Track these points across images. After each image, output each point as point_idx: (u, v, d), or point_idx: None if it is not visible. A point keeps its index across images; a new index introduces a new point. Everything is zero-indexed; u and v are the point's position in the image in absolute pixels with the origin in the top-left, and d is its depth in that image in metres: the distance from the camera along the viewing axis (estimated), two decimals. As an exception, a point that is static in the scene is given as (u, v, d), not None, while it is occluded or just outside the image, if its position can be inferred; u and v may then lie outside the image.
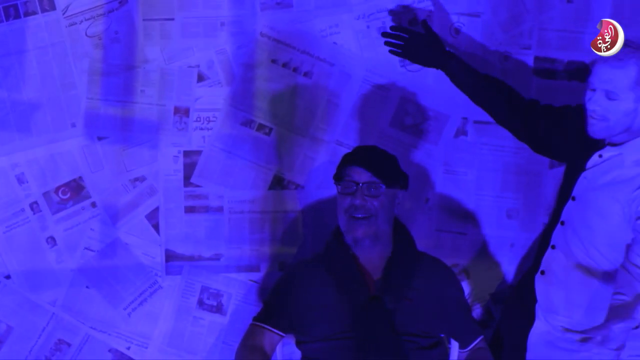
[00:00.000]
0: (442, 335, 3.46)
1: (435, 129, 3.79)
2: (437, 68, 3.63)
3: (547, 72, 3.79)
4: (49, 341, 3.74)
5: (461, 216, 3.83)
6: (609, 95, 3.17)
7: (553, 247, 3.40)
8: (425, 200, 3.81)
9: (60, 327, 3.74)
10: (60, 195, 3.72)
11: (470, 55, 3.73)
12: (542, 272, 3.42)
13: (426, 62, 3.66)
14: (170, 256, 3.77)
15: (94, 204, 3.73)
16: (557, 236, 3.40)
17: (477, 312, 3.83)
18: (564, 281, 3.36)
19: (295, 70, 3.74)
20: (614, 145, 3.26)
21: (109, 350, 3.77)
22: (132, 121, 3.71)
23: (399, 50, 3.65)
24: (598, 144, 3.29)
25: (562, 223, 3.38)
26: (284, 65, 3.74)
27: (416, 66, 3.72)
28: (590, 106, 3.20)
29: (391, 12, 3.73)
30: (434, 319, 3.38)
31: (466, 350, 3.46)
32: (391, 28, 3.68)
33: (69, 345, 3.75)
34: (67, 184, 3.72)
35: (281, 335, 3.42)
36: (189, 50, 3.71)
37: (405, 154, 3.76)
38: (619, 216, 3.21)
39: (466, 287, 3.72)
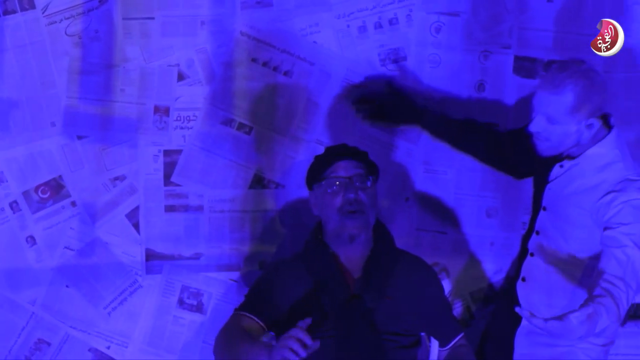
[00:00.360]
0: (423, 333, 3.47)
1: (415, 128, 3.79)
2: (412, 125, 3.67)
3: (527, 71, 3.80)
4: (28, 341, 3.72)
5: (441, 215, 3.83)
6: (550, 120, 3.18)
7: (532, 254, 3.42)
8: (405, 199, 3.82)
9: (40, 326, 3.73)
10: (39, 194, 3.70)
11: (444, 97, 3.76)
12: (523, 279, 3.44)
13: (400, 122, 3.72)
14: (150, 255, 3.76)
15: (73, 203, 3.72)
16: (533, 244, 3.42)
17: (457, 310, 3.84)
18: (545, 286, 3.37)
19: (275, 69, 3.74)
20: (571, 158, 3.28)
21: (89, 350, 3.76)
22: (112, 120, 3.70)
23: (371, 115, 3.71)
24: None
25: (537, 233, 3.40)
26: (264, 64, 3.74)
27: (396, 65, 3.73)
28: (533, 128, 3.21)
29: (354, 85, 3.73)
30: (415, 318, 3.37)
31: (446, 348, 3.45)
32: (360, 98, 3.71)
33: (49, 344, 3.74)
34: (46, 183, 3.70)
35: (263, 328, 3.38)
36: (169, 49, 3.70)
37: (386, 153, 3.76)
38: (589, 224, 3.22)
39: (446, 285, 3.72)
